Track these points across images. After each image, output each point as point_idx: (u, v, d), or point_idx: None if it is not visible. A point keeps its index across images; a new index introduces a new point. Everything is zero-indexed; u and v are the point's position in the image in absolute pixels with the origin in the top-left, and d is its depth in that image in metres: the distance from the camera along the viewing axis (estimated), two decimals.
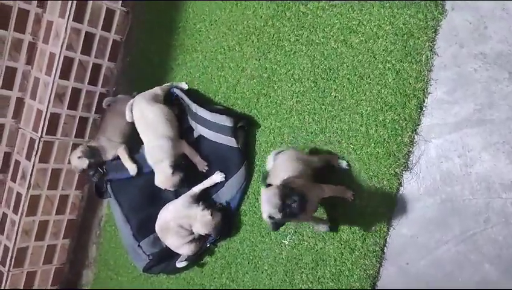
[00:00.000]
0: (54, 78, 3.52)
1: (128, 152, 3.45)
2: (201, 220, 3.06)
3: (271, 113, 3.06)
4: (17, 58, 3.60)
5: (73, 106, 3.70)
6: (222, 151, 3.14)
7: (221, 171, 3.16)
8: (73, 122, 3.75)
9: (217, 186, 3.19)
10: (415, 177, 2.56)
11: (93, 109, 3.84)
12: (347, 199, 2.66)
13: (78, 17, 3.52)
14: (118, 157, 3.48)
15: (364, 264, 2.66)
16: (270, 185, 2.49)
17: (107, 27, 3.76)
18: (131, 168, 3.42)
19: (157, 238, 3.33)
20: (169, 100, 3.35)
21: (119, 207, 3.51)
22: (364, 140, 2.68)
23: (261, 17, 3.15)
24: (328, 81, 2.84)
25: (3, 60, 3.52)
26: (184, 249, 3.22)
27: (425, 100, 2.54)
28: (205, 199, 3.19)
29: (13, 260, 3.76)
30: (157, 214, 3.27)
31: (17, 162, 3.75)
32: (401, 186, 2.59)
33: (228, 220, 3.14)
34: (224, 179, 3.16)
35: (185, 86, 3.44)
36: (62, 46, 3.49)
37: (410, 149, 2.57)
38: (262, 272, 3.05)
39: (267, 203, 2.37)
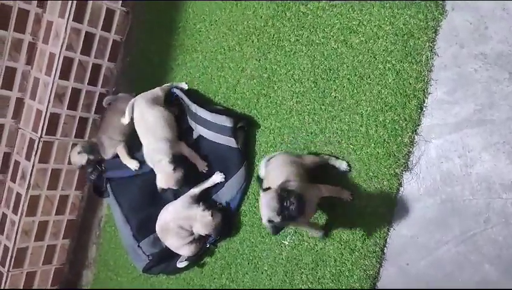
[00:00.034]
0: (54, 78, 3.52)
1: (127, 150, 3.45)
2: (202, 221, 3.06)
3: (271, 114, 3.06)
4: (17, 59, 3.60)
5: (73, 106, 3.70)
6: (222, 152, 3.14)
7: (221, 172, 3.16)
8: (73, 122, 3.75)
9: (217, 186, 3.19)
10: (415, 177, 2.56)
11: (93, 109, 3.84)
12: (345, 199, 2.66)
13: (78, 17, 3.52)
14: (117, 156, 3.47)
15: (364, 265, 2.66)
16: (268, 188, 2.48)
17: (107, 27, 3.75)
18: (132, 164, 3.41)
19: (157, 239, 3.33)
20: (170, 100, 3.35)
21: (119, 207, 3.50)
22: (364, 140, 2.68)
23: (261, 17, 3.15)
24: (328, 81, 2.84)
25: (3, 60, 3.52)
26: (184, 249, 3.22)
27: (426, 100, 2.53)
28: (205, 199, 3.19)
29: (13, 260, 3.76)
30: (157, 215, 3.27)
31: (17, 163, 3.75)
32: (401, 186, 2.59)
33: (228, 221, 3.14)
34: (224, 180, 3.16)
35: (185, 86, 3.44)
36: (62, 46, 3.49)
37: (410, 149, 2.56)
38: (262, 273, 3.05)
39: (265, 207, 2.37)
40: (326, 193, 2.60)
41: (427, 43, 2.52)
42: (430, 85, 2.52)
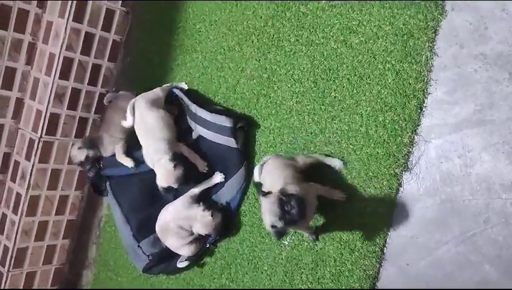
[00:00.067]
0: (54, 78, 3.52)
1: (124, 149, 3.44)
2: (202, 221, 3.06)
3: (271, 114, 3.06)
4: (16, 59, 3.60)
5: (73, 106, 3.70)
6: (222, 152, 3.14)
7: (220, 172, 3.16)
8: (73, 122, 3.75)
9: (217, 186, 3.19)
10: (414, 177, 2.56)
11: (93, 109, 3.84)
12: (338, 199, 2.65)
13: (78, 17, 3.52)
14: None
15: (364, 265, 2.66)
16: (269, 193, 2.48)
17: (107, 27, 3.75)
18: (127, 162, 3.40)
19: (157, 239, 3.33)
20: (170, 101, 3.35)
21: (119, 207, 3.51)
22: (364, 140, 2.68)
23: (261, 17, 3.15)
24: (328, 81, 2.84)
25: (3, 60, 3.52)
26: (184, 249, 3.22)
27: (425, 101, 2.53)
28: (205, 199, 3.19)
29: (13, 260, 3.76)
30: (157, 215, 3.27)
31: (17, 163, 3.75)
32: (401, 186, 2.59)
33: (228, 221, 3.14)
34: (224, 180, 3.16)
35: (184, 86, 3.44)
36: (62, 46, 3.48)
37: (410, 150, 2.56)
38: (262, 273, 3.05)
39: (267, 213, 2.37)
40: (321, 191, 2.60)
41: (427, 43, 2.52)
42: (430, 85, 2.52)
